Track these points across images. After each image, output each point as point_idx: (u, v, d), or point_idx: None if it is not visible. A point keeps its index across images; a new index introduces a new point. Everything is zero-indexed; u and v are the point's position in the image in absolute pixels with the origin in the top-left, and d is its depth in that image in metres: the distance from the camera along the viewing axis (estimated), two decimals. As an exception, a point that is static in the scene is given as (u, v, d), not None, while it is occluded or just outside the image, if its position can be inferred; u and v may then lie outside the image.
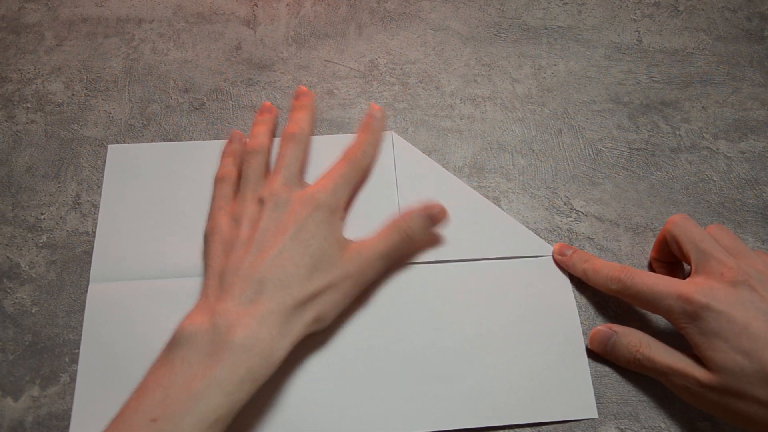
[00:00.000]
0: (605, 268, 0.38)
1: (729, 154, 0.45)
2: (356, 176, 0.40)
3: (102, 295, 0.38)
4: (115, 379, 0.36)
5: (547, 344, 0.38)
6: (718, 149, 0.45)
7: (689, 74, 0.48)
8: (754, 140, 0.45)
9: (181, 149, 0.44)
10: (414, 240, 0.38)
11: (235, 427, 0.32)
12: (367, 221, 0.40)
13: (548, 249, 0.41)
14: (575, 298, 0.40)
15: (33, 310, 0.38)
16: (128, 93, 0.46)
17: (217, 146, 0.44)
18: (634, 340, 0.36)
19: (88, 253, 0.40)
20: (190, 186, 0.42)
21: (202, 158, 0.43)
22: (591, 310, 0.39)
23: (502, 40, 0.49)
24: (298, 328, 0.33)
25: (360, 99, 0.46)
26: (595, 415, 0.36)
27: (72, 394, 0.36)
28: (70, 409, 0.36)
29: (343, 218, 0.39)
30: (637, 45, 0.49)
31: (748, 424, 0.33)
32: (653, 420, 0.36)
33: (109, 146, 0.44)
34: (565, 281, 0.40)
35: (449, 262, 0.40)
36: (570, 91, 0.47)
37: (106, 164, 0.43)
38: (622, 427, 0.36)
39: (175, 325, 0.33)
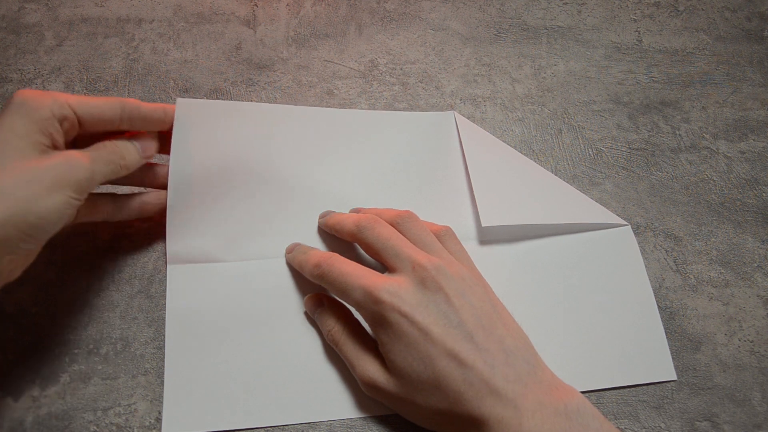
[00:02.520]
0: (314, 255, 0.37)
1: (729, 154, 0.45)
2: (99, 102, 0.34)
3: (181, 277, 0.39)
4: (202, 357, 0.37)
5: (622, 311, 0.39)
6: (718, 149, 0.45)
7: (689, 74, 0.48)
8: (754, 140, 0.45)
9: (256, 112, 0.43)
10: (125, 163, 0.35)
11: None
12: (439, 205, 0.41)
13: (619, 221, 0.42)
14: (645, 266, 0.40)
15: (33, 310, 0.38)
16: (128, 93, 0.46)
17: (298, 111, 0.44)
18: (330, 322, 0.36)
19: (88, 253, 0.40)
20: (263, 155, 0.42)
21: (279, 123, 0.43)
22: (662, 284, 0.39)
23: (502, 40, 0.49)
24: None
25: (360, 99, 0.46)
26: (674, 377, 0.37)
27: (72, 394, 0.36)
28: (70, 408, 0.36)
29: (50, 116, 0.32)
30: (637, 45, 0.49)
31: (427, 423, 0.33)
32: (653, 420, 0.36)
33: (178, 99, 0.41)
34: (635, 249, 0.41)
35: (524, 241, 0.41)
36: (570, 91, 0.47)
37: (175, 125, 0.39)
38: (622, 427, 0.36)
39: (254, 305, 0.38)
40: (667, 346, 0.38)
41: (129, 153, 0.35)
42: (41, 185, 0.29)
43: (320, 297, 0.38)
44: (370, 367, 0.34)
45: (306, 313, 0.38)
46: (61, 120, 0.32)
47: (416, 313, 0.32)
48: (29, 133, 0.30)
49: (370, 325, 0.34)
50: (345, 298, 0.35)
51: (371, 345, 0.35)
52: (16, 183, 0.29)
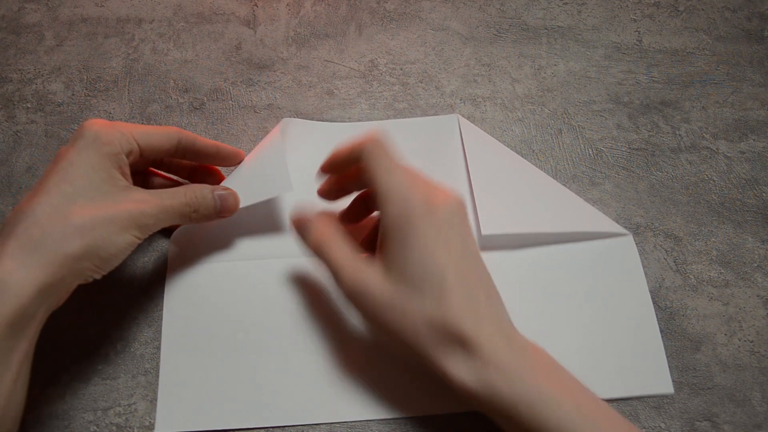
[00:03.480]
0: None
1: (729, 154, 0.45)
2: (165, 132, 0.36)
3: (180, 276, 0.39)
4: (198, 356, 0.37)
5: (621, 322, 0.39)
6: (718, 149, 0.45)
7: (689, 74, 0.48)
8: (754, 140, 0.45)
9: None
10: (197, 216, 0.36)
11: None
12: None
13: (619, 229, 0.41)
14: (645, 275, 0.40)
15: (33, 310, 0.38)
16: (128, 93, 0.46)
17: (300, 123, 0.44)
18: (319, 228, 0.35)
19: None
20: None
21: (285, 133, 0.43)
22: (662, 284, 0.39)
23: (502, 40, 0.49)
24: (55, 262, 0.30)
25: (360, 99, 0.46)
26: (671, 391, 0.37)
27: (72, 394, 0.36)
28: (70, 408, 0.36)
29: (122, 151, 0.34)
30: (637, 45, 0.49)
31: (407, 336, 0.32)
32: (653, 420, 0.36)
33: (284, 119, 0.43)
34: (636, 259, 0.41)
35: (524, 249, 0.40)
36: (570, 91, 0.47)
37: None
38: (622, 427, 0.36)
39: (251, 305, 0.38)
40: (665, 359, 0.38)
41: (204, 207, 0.36)
42: (116, 225, 0.32)
43: (305, 215, 0.36)
44: (362, 273, 0.33)
45: (301, 314, 0.38)
46: (128, 153, 0.34)
47: (446, 227, 0.32)
48: (104, 168, 0.33)
49: (389, 223, 0.32)
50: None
51: (361, 254, 0.34)
52: (96, 221, 0.31)
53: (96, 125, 0.33)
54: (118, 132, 0.34)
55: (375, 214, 0.39)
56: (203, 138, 0.38)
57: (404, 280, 0.32)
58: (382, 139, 0.34)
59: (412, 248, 0.32)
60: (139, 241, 0.33)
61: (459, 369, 0.30)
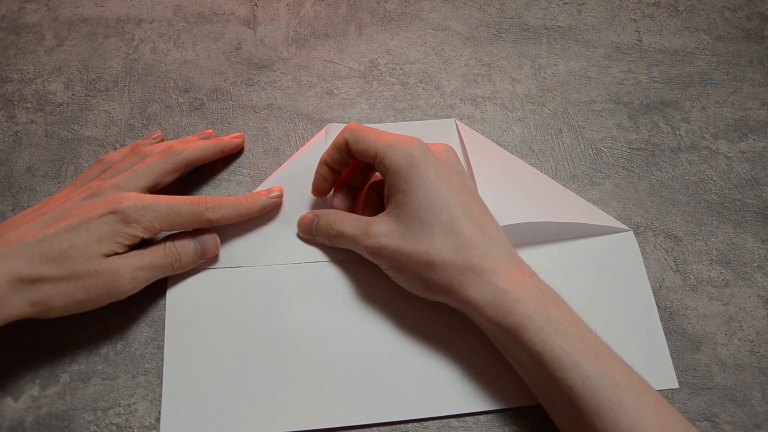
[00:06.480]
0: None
1: (729, 154, 0.45)
2: (189, 220, 0.36)
3: (181, 279, 0.39)
4: (201, 361, 0.37)
5: (624, 318, 0.39)
6: (718, 149, 0.45)
7: (689, 74, 0.48)
8: (754, 140, 0.45)
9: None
10: (180, 265, 0.37)
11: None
12: None
13: (622, 227, 0.41)
14: (645, 266, 0.40)
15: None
16: (128, 93, 0.46)
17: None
18: (330, 219, 0.38)
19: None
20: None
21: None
22: (662, 284, 0.39)
23: (502, 40, 0.49)
24: (16, 302, 0.32)
25: (360, 99, 0.47)
26: (676, 385, 0.37)
27: (72, 394, 0.36)
28: (70, 408, 0.36)
29: (137, 236, 0.35)
30: (637, 45, 0.49)
31: (427, 273, 0.34)
32: (653, 420, 0.36)
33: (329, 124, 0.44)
34: (637, 254, 0.41)
35: (527, 247, 0.40)
36: (570, 91, 0.47)
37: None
38: (622, 427, 0.36)
39: (254, 310, 0.38)
40: (669, 354, 0.38)
41: (187, 255, 0.37)
42: (87, 294, 0.34)
43: (313, 212, 0.39)
44: (379, 228, 0.35)
45: (305, 318, 0.38)
46: (140, 239, 0.35)
47: (444, 167, 0.35)
48: (108, 244, 0.34)
49: (393, 175, 0.35)
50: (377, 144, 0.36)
51: (370, 219, 0.37)
52: (69, 287, 0.33)
53: (131, 209, 0.34)
54: (148, 222, 0.35)
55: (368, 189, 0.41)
56: (242, 210, 0.38)
57: (415, 221, 0.34)
58: (355, 124, 0.37)
59: (417, 189, 0.34)
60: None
61: (474, 293, 0.33)
